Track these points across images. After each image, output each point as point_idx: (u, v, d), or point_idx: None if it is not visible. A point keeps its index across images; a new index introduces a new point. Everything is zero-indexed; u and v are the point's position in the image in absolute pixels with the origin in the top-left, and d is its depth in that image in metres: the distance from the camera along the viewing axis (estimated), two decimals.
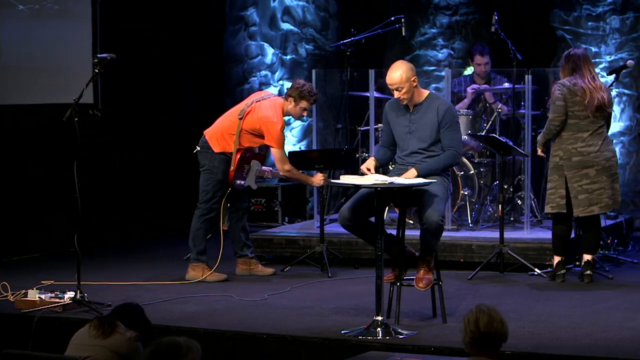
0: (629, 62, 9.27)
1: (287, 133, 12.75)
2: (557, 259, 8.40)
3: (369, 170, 7.19)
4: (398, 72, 7.23)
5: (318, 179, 8.85)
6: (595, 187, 8.27)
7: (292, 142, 12.85)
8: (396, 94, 7.25)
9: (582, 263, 8.40)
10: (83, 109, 7.77)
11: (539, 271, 8.57)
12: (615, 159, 8.39)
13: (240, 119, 8.60)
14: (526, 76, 9.43)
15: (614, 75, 9.20)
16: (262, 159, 8.85)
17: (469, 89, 10.20)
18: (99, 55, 7.93)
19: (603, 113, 8.29)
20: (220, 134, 8.66)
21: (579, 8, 11.85)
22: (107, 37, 10.40)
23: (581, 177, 8.26)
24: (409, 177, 7.03)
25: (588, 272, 8.34)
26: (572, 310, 7.40)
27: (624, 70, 9.29)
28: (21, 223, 10.00)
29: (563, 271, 8.36)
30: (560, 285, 8.28)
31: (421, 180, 6.98)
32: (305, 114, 8.76)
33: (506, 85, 10.05)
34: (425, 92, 7.39)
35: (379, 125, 9.21)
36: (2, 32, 9.98)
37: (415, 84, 7.26)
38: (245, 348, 6.74)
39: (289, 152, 9.16)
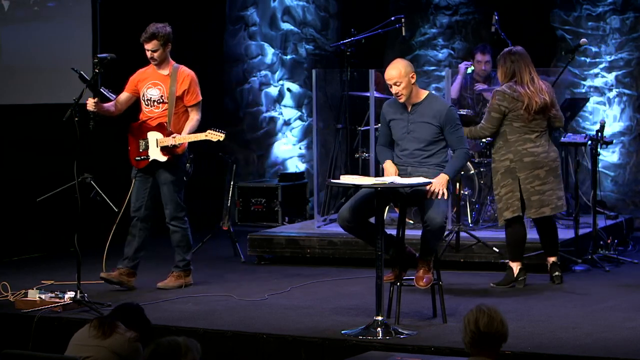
0: (583, 40, 9.33)
1: (287, 133, 12.78)
2: (516, 265, 8.26)
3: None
4: (397, 67, 7.25)
5: (90, 103, 8.07)
6: (546, 189, 8.21)
7: (293, 142, 12.86)
8: (394, 89, 7.25)
9: (549, 266, 8.33)
10: (83, 109, 7.78)
11: (497, 249, 8.75)
12: (559, 160, 8.34)
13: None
14: None
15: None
16: (163, 129, 8.23)
17: (475, 88, 10.20)
18: (99, 55, 7.94)
19: (545, 114, 8.22)
20: None
21: (579, 8, 11.85)
22: (107, 37, 10.40)
23: (533, 179, 8.18)
24: (442, 183, 7.01)
25: (557, 273, 8.31)
26: (572, 310, 7.39)
27: (579, 48, 9.28)
28: (21, 223, 10.00)
29: (524, 277, 8.24)
30: (560, 285, 8.28)
31: (421, 180, 6.98)
32: (149, 54, 8.28)
33: None
34: (424, 92, 7.39)
35: (379, 125, 9.20)
36: (2, 31, 9.99)
37: (413, 80, 7.25)
38: (245, 348, 6.74)
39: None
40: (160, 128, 8.23)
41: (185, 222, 8.32)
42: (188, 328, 6.88)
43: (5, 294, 7.86)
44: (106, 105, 8.15)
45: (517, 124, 8.16)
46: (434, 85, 12.24)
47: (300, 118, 12.90)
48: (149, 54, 8.25)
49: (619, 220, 10.35)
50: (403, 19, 10.38)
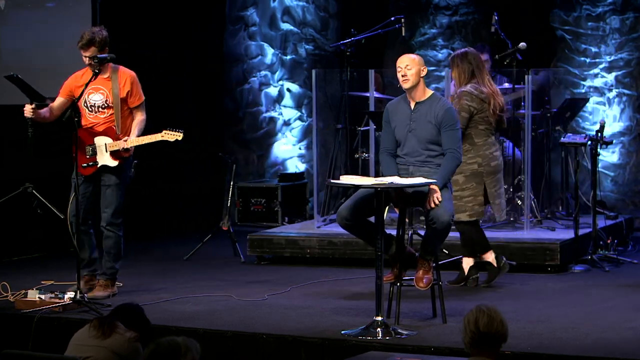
0: (521, 44, 9.29)
1: (287, 133, 12.78)
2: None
3: None
4: (411, 55, 7.42)
5: (27, 109, 8.04)
6: (502, 191, 8.29)
7: (292, 142, 12.86)
8: (402, 72, 7.28)
9: (483, 263, 8.26)
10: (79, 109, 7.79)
11: (446, 251, 8.65)
12: None
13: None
14: (526, 76, 9.43)
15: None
16: (112, 134, 7.99)
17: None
18: (99, 56, 7.91)
19: (503, 116, 8.25)
20: None
21: (579, 8, 11.85)
22: None
23: (496, 182, 8.20)
24: (435, 194, 7.01)
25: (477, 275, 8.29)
26: (572, 310, 7.39)
27: (517, 53, 9.28)
28: (21, 223, 9.99)
29: (477, 275, 8.21)
30: (560, 285, 8.28)
31: (421, 180, 6.98)
32: (87, 61, 7.98)
33: (506, 85, 10.07)
34: (429, 92, 7.42)
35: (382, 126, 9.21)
36: (2, 32, 9.99)
37: (423, 73, 7.33)
38: (245, 348, 6.74)
39: None
40: (109, 132, 7.98)
41: (120, 229, 8.04)
42: (188, 328, 6.87)
43: (5, 294, 7.86)
44: (42, 111, 8.00)
45: (482, 127, 8.16)
46: (433, 86, 12.24)
47: (300, 118, 12.90)
48: (87, 60, 7.98)
49: (618, 220, 10.34)
50: (403, 19, 10.39)
